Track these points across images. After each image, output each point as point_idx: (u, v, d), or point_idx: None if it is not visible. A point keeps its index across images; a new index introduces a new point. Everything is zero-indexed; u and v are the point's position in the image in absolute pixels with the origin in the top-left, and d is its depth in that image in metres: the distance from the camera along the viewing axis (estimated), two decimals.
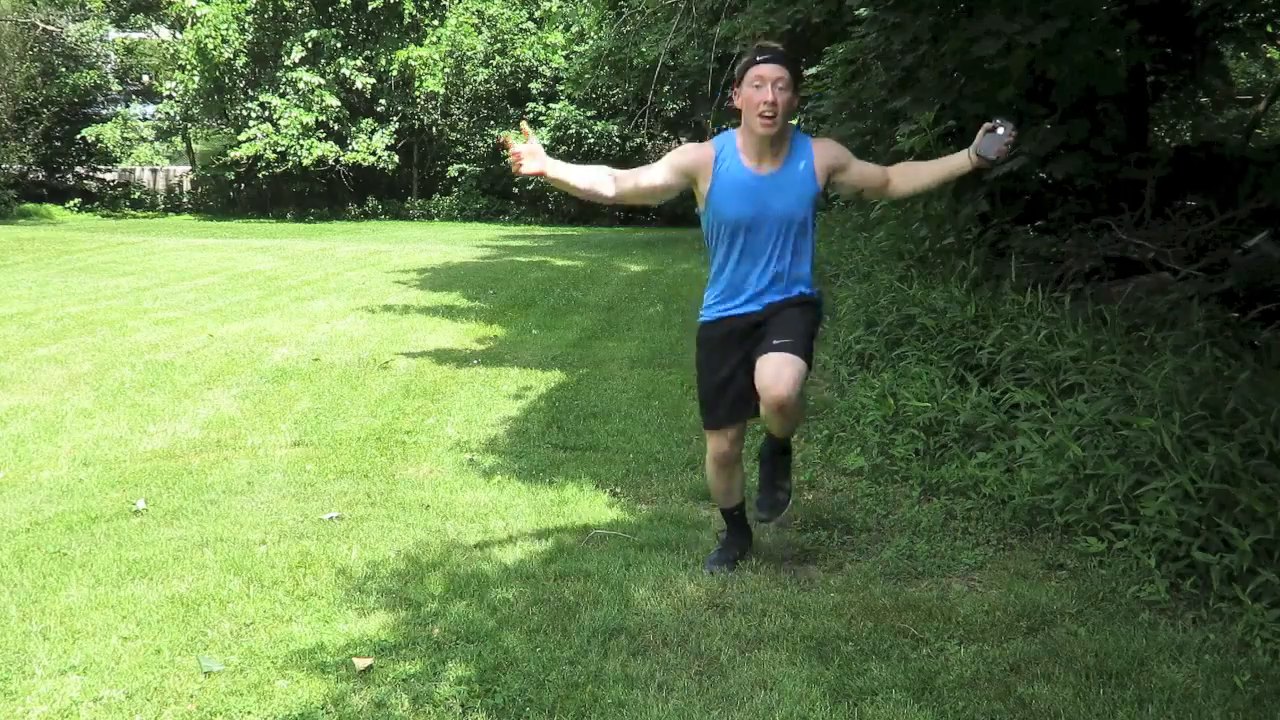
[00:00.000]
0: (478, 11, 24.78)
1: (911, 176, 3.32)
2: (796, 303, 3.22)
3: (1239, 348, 4.27)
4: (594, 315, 9.46)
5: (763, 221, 3.13)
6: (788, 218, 3.14)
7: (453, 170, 25.30)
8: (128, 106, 26.93)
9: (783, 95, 3.02)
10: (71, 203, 25.05)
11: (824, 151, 3.22)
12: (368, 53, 23.51)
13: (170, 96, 25.34)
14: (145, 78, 27.03)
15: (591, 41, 19.90)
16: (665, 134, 24.17)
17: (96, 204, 25.88)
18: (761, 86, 3.02)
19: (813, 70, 10.14)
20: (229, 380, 6.42)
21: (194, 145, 27.47)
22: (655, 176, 3.17)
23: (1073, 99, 6.16)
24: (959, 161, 3.21)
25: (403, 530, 3.80)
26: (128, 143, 26.01)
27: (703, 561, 3.45)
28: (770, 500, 3.42)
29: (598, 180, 3.13)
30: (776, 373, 3.02)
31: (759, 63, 3.05)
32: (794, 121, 3.16)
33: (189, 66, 23.12)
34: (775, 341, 3.09)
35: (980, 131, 3.14)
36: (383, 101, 24.11)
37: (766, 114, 3.02)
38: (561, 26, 23.55)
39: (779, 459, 3.44)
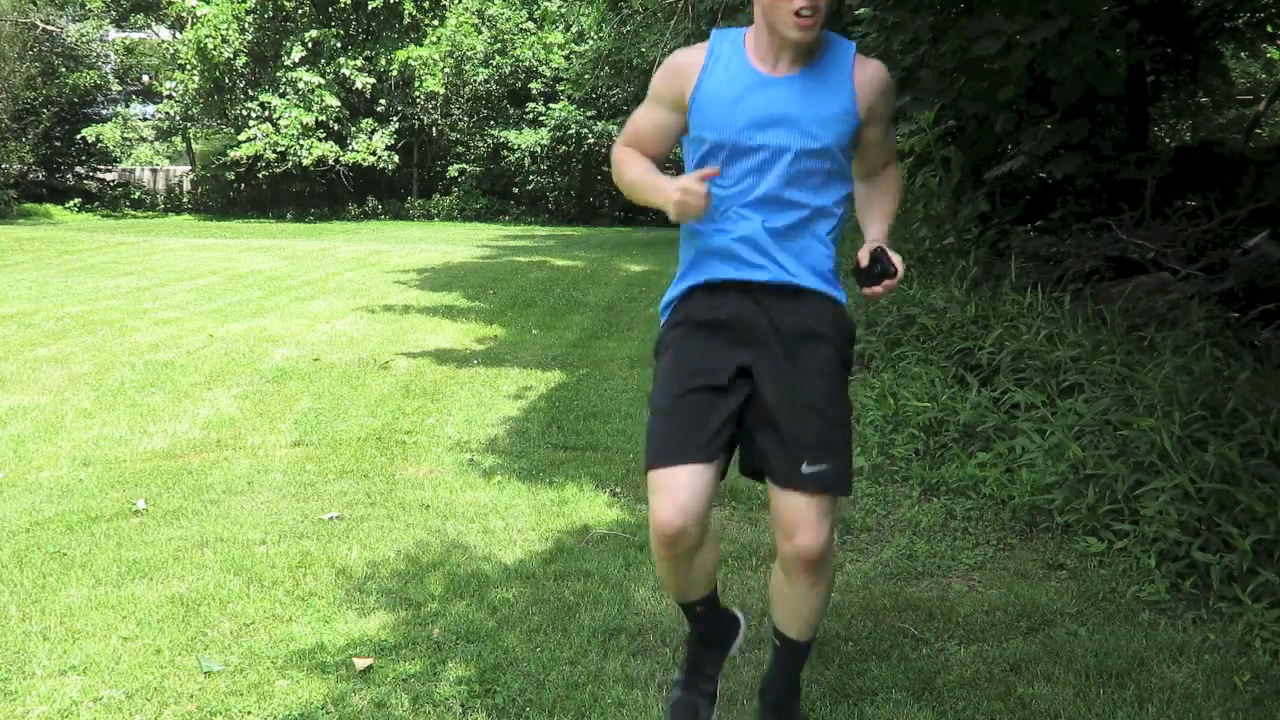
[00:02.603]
0: (478, 11, 24.79)
1: (865, 196, 2.38)
2: (812, 320, 2.18)
3: (1239, 348, 4.27)
4: (594, 315, 9.46)
5: (767, 140, 2.13)
6: (806, 141, 2.12)
7: (453, 170, 25.31)
8: (128, 106, 26.92)
9: None
10: (71, 203, 25.04)
11: (872, 79, 2.18)
12: (368, 53, 23.51)
13: (170, 96, 25.33)
14: (145, 78, 27.03)
15: (591, 42, 19.91)
16: None
17: (96, 204, 25.87)
18: None
19: None
20: (229, 380, 6.41)
21: (194, 145, 27.46)
22: (643, 129, 2.31)
23: (1073, 99, 6.17)
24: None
25: (403, 530, 3.80)
26: (128, 143, 26.00)
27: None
28: None
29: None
30: (811, 519, 2.12)
31: None
32: None
33: (189, 66, 23.11)
34: (807, 469, 2.10)
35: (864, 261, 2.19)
36: (383, 101, 24.12)
37: (805, 12, 2.05)
38: (561, 26, 23.57)
39: (790, 704, 2.39)
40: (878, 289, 2.14)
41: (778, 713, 2.38)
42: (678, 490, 2.10)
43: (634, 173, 2.27)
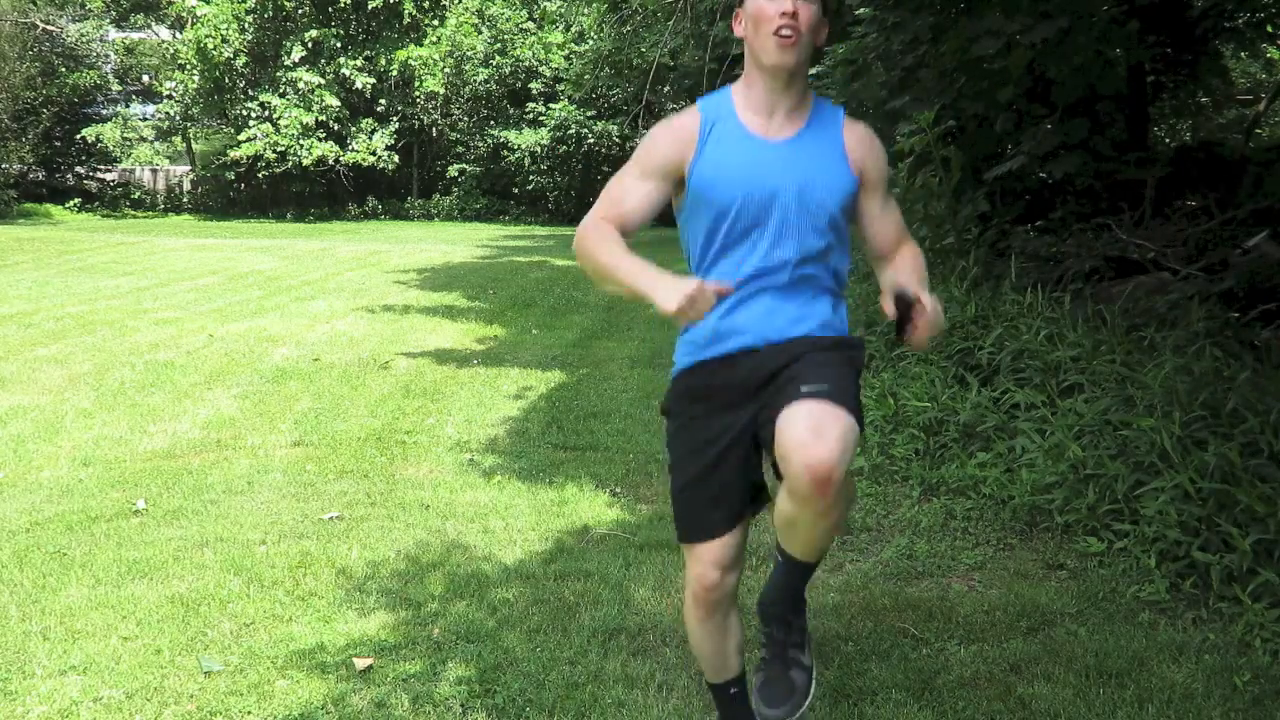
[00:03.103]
0: (478, 11, 24.79)
1: (889, 276, 2.22)
2: (824, 344, 2.13)
3: (1239, 348, 4.27)
4: (594, 315, 9.46)
5: (769, 206, 2.10)
6: (807, 204, 2.10)
7: (453, 170, 25.32)
8: (128, 106, 26.92)
9: (806, 7, 2.03)
10: (71, 203, 25.05)
11: (860, 141, 2.17)
12: (368, 53, 23.52)
13: (170, 96, 25.33)
14: (145, 78, 27.03)
15: (592, 42, 19.91)
16: None
17: (96, 204, 25.87)
18: None
19: (813, 71, 10.15)
20: (229, 380, 6.41)
21: (194, 145, 27.46)
22: (631, 201, 2.18)
23: (1072, 99, 6.17)
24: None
25: (403, 530, 3.80)
26: (128, 143, 26.00)
27: None
28: (784, 688, 2.19)
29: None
30: (817, 427, 1.90)
31: None
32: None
33: (189, 66, 23.12)
34: (805, 388, 1.97)
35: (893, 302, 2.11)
36: (383, 101, 24.12)
37: (785, 31, 2.02)
38: (561, 26, 23.57)
39: (794, 617, 2.25)
40: (916, 328, 2.03)
41: (786, 625, 2.24)
42: (711, 554, 2.18)
43: (612, 256, 2.08)
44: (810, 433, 1.89)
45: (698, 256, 2.21)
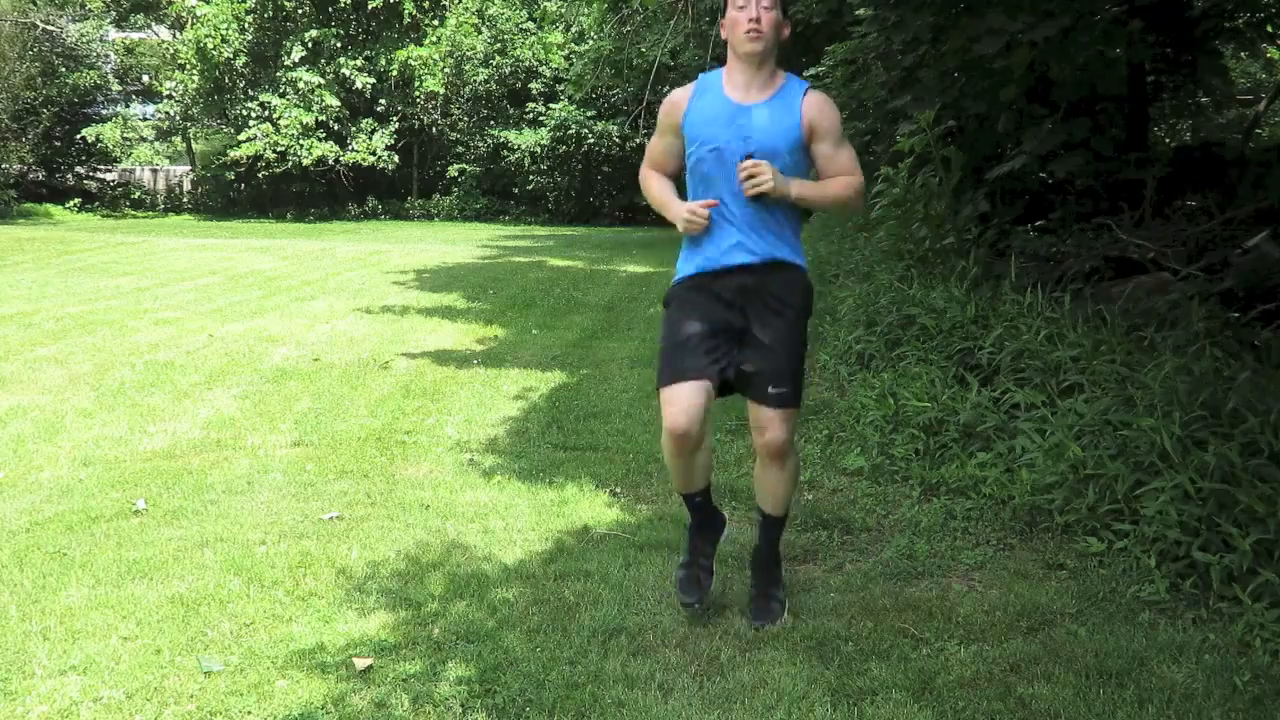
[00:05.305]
0: (478, 11, 24.79)
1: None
2: (783, 288, 2.97)
3: (1239, 348, 4.27)
4: (594, 315, 9.46)
5: (732, 144, 2.91)
6: (768, 153, 2.89)
7: (453, 170, 25.32)
8: (128, 106, 26.90)
9: (768, 13, 2.89)
10: (71, 203, 25.04)
11: (814, 104, 2.97)
12: (368, 53, 23.51)
13: (170, 96, 25.33)
14: (145, 78, 27.02)
15: (592, 42, 19.90)
16: None
17: (96, 204, 25.87)
18: (746, 6, 2.89)
19: (813, 70, 10.15)
20: (229, 380, 6.41)
21: (194, 145, 27.46)
22: (656, 154, 3.13)
23: (1073, 98, 6.17)
24: None
25: (403, 530, 3.80)
26: (128, 143, 25.95)
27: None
28: (764, 609, 3.11)
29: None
30: (771, 421, 2.94)
31: None
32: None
33: (189, 66, 23.11)
34: (772, 390, 2.92)
35: None
36: (383, 101, 24.12)
37: (752, 30, 2.87)
38: (562, 26, 23.56)
39: (772, 568, 3.17)
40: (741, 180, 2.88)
41: (767, 574, 3.14)
42: (681, 399, 2.88)
43: (656, 190, 3.15)
44: (771, 425, 2.95)
45: (689, 186, 3.05)
